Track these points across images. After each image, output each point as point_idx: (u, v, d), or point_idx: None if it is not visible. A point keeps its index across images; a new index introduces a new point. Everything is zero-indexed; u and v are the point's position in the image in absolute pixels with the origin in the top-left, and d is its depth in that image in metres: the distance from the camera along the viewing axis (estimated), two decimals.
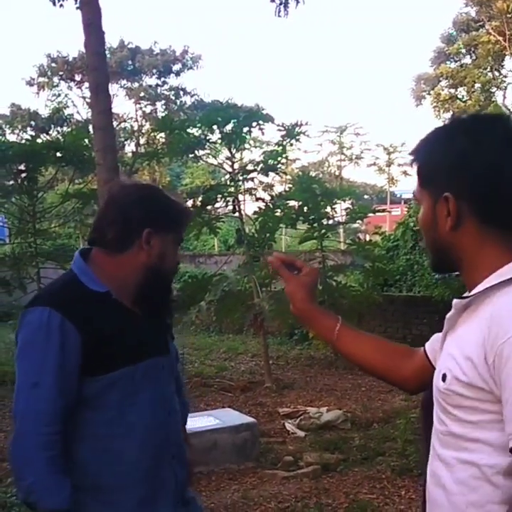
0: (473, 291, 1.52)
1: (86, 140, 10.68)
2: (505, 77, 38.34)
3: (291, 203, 11.06)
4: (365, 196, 53.71)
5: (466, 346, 1.46)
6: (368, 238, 23.14)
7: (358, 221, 14.90)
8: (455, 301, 1.58)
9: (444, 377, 1.51)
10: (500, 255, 1.51)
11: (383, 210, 18.49)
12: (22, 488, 2.03)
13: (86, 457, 2.09)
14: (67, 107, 35.24)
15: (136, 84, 39.81)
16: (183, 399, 2.46)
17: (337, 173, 46.57)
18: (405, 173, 49.97)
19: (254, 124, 10.16)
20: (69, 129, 24.22)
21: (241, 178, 10.49)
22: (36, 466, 1.98)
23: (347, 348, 1.90)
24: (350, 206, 11.99)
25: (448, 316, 1.59)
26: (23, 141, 11.84)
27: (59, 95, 36.69)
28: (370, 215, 12.52)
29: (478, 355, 1.43)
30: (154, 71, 39.46)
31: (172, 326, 2.40)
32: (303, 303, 1.91)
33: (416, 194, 1.68)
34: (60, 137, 13.41)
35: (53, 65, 38.01)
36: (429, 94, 40.08)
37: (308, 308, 1.91)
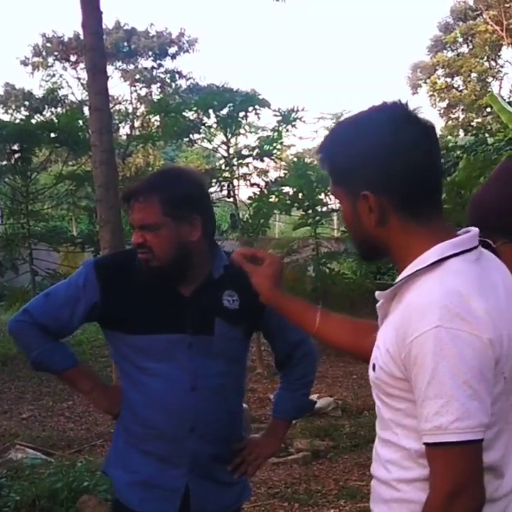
0: (397, 280, 1.55)
1: (80, 121, 10.62)
2: (502, 67, 38.31)
3: (286, 189, 11.05)
4: None
5: (387, 338, 1.50)
6: None
7: None
8: (377, 293, 1.62)
9: (374, 367, 1.55)
10: (425, 242, 1.52)
11: None
12: (32, 360, 2.45)
13: (123, 397, 2.40)
14: (62, 87, 34.94)
15: (131, 66, 39.55)
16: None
17: None
18: None
19: (250, 108, 10.11)
20: (63, 110, 24.09)
21: (236, 163, 10.46)
22: (37, 339, 2.39)
23: (327, 338, 1.92)
24: None
25: (377, 305, 1.62)
26: (17, 121, 11.76)
27: (54, 75, 36.41)
28: None
29: (393, 350, 1.47)
30: (150, 53, 39.18)
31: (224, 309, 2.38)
32: (270, 292, 1.94)
33: (332, 192, 1.68)
34: (55, 118, 13.28)
35: (48, 45, 37.70)
36: (425, 82, 40.00)
37: (276, 296, 1.94)
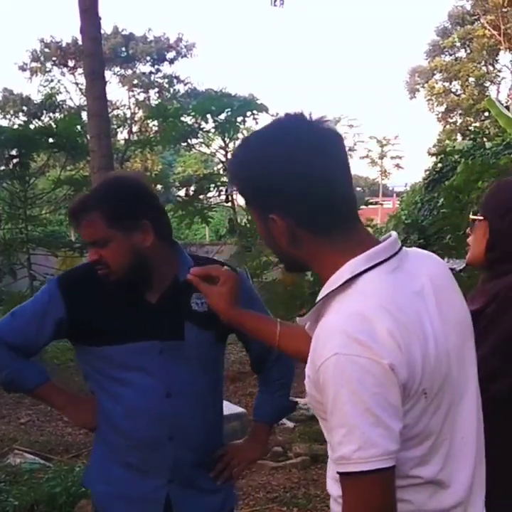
0: (315, 303, 1.52)
1: (79, 126, 10.62)
2: (500, 71, 38.48)
3: None
4: (358, 188, 53.73)
5: (309, 363, 1.47)
6: None
7: None
8: (298, 319, 1.61)
9: (307, 392, 1.51)
10: (337, 260, 1.48)
11: (375, 203, 18.54)
12: (2, 381, 2.42)
13: (100, 409, 2.37)
14: (60, 92, 34.96)
15: (129, 72, 39.65)
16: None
17: None
18: (398, 166, 50.17)
19: (248, 113, 10.12)
20: (61, 115, 24.09)
21: None
22: (4, 359, 2.35)
23: (290, 350, 1.92)
24: None
25: (306, 327, 1.60)
26: (16, 127, 11.76)
27: (52, 81, 36.47)
28: (362, 207, 12.52)
29: (311, 375, 1.45)
30: (148, 58, 39.29)
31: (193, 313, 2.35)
32: (227, 311, 1.94)
33: (245, 208, 1.66)
34: (53, 123, 13.29)
35: (46, 50, 37.80)
36: (423, 87, 40.16)
37: (234, 314, 1.94)
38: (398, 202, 22.54)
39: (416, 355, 1.38)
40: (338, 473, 1.39)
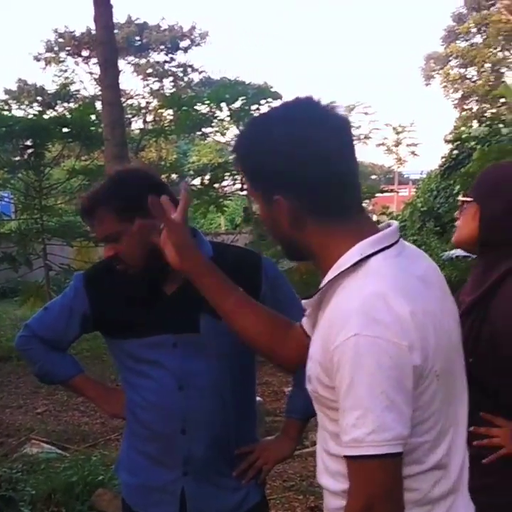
0: (321, 286, 1.50)
1: (93, 116, 10.61)
2: None
3: None
4: (373, 176, 53.65)
5: (317, 349, 1.46)
6: (375, 218, 23.09)
7: (365, 201, 14.86)
8: (304, 301, 1.58)
9: (309, 379, 1.50)
10: (344, 243, 1.47)
11: (391, 191, 18.46)
12: (36, 372, 2.55)
13: (126, 399, 2.43)
14: (74, 82, 35.13)
15: (143, 61, 39.64)
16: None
17: None
18: (414, 153, 49.92)
19: (262, 101, 10.07)
20: (76, 105, 24.13)
21: None
22: (38, 352, 2.47)
23: (240, 324, 1.79)
24: None
25: (306, 314, 1.59)
26: (30, 117, 11.76)
27: (66, 71, 36.61)
28: (378, 195, 12.51)
29: (322, 359, 1.43)
30: (162, 47, 39.28)
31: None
32: (182, 263, 1.80)
33: (248, 192, 1.63)
34: (67, 113, 13.30)
35: (61, 40, 37.86)
36: (438, 73, 39.90)
37: (191, 265, 1.80)
38: (414, 190, 22.45)
39: (430, 337, 1.39)
40: (346, 456, 1.38)
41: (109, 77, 6.84)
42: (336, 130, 1.49)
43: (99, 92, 8.00)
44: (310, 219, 1.49)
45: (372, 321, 1.33)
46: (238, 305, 1.78)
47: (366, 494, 1.36)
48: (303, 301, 1.58)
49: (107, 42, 6.88)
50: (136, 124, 31.65)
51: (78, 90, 33.49)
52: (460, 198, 2.42)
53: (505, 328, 2.11)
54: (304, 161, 1.45)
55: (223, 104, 10.03)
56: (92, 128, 10.58)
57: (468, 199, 2.31)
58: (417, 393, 1.38)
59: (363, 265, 1.44)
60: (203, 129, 10.76)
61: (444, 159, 16.92)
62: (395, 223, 1.55)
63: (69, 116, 11.48)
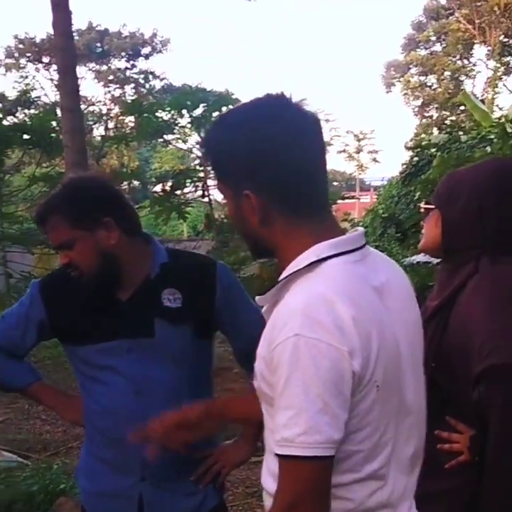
0: (276, 283, 1.50)
1: (53, 122, 10.54)
2: (475, 65, 38.70)
3: None
4: (335, 183, 53.89)
5: (263, 344, 1.45)
6: None
7: None
8: (258, 298, 1.57)
9: (256, 376, 1.50)
10: (304, 243, 1.46)
11: (352, 197, 18.61)
12: None
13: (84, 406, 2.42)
14: (35, 89, 34.70)
15: (104, 67, 39.46)
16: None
17: None
18: (375, 160, 50.36)
19: (223, 108, 10.09)
20: (36, 112, 23.91)
21: None
22: None
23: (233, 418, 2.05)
24: None
25: (263, 311, 1.57)
26: None
27: (26, 77, 36.22)
28: (340, 201, 12.51)
29: (264, 355, 1.42)
30: (123, 54, 39.14)
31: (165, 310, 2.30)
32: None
33: (217, 188, 1.63)
34: (27, 119, 13.20)
35: (21, 46, 37.56)
36: (399, 81, 40.34)
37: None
38: (375, 196, 22.62)
39: (373, 346, 1.37)
40: (276, 454, 1.38)
41: (68, 84, 6.80)
42: (309, 129, 1.49)
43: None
44: (277, 216, 1.48)
45: (314, 323, 1.33)
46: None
47: (292, 492, 1.36)
48: (257, 298, 1.57)
49: (66, 48, 6.85)
50: (98, 131, 31.56)
51: (39, 97, 33.15)
52: (422, 205, 2.46)
53: (457, 347, 2.14)
54: (271, 159, 1.44)
55: (184, 111, 10.03)
56: (53, 135, 10.50)
57: (431, 206, 2.35)
58: (354, 400, 1.36)
59: (318, 267, 1.43)
60: (165, 136, 10.75)
61: (404, 166, 17.06)
62: (361, 229, 1.54)
63: (29, 122, 11.41)
